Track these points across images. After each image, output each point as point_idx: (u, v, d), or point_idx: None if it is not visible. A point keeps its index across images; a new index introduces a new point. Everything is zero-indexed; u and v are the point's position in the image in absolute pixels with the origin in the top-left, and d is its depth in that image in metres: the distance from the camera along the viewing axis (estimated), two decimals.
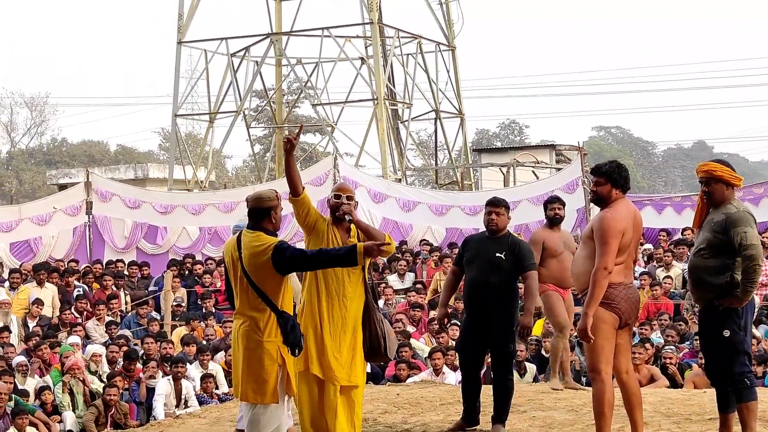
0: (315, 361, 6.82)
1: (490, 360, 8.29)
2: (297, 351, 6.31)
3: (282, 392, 6.35)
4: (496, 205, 8.11)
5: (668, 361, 11.99)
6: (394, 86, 28.94)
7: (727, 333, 6.74)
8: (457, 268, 8.31)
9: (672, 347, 12.35)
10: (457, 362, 11.85)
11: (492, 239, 8.07)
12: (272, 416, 6.36)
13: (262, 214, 6.49)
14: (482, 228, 8.42)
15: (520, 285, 8.33)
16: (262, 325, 6.32)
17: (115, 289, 17.44)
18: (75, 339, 14.62)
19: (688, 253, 12.39)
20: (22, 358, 13.51)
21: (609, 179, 6.87)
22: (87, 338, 15.38)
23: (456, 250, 11.31)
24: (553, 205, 10.00)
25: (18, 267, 18.25)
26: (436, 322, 9.26)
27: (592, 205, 19.12)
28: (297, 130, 7.07)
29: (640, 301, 7.10)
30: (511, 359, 8.17)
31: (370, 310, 7.05)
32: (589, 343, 6.66)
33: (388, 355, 7.01)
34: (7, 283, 17.14)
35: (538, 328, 14.28)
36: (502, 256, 7.92)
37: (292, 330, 6.27)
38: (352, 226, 7.10)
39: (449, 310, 8.82)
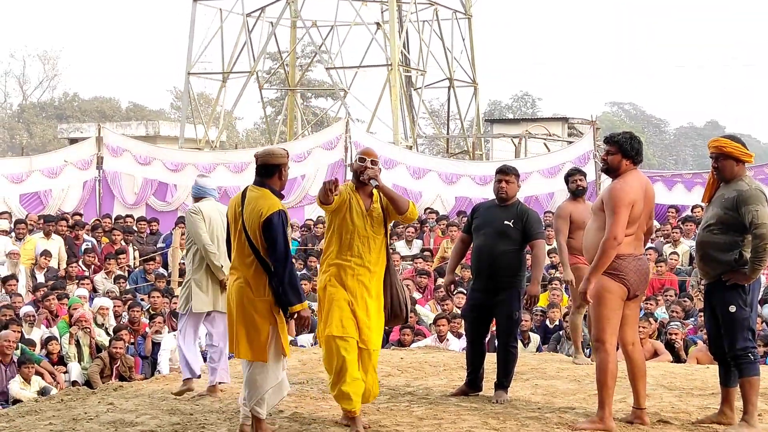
0: (352, 327, 6.77)
1: (495, 328, 8.32)
2: (289, 314, 6.37)
3: (276, 352, 6.39)
4: (506, 173, 8.11)
5: (674, 336, 12.03)
6: (408, 53, 28.87)
7: (732, 308, 6.78)
8: (466, 235, 8.32)
9: (678, 323, 12.39)
10: (461, 329, 11.92)
11: (501, 207, 8.09)
12: (269, 375, 6.40)
13: (270, 170, 6.50)
14: (490, 196, 8.44)
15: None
16: (254, 282, 6.38)
17: (123, 244, 17.51)
18: (83, 291, 14.71)
19: (696, 231, 12.42)
20: (29, 308, 13.61)
21: (620, 149, 6.93)
22: (94, 291, 15.47)
23: (465, 219, 11.32)
24: (574, 176, 9.97)
25: (23, 218, 18.32)
26: (442, 288, 9.27)
27: (603, 178, 19.15)
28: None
29: (649, 273, 7.14)
30: (516, 327, 8.20)
31: (391, 275, 7.06)
32: (587, 304, 6.76)
33: (408, 320, 7.06)
34: (13, 234, 17.23)
35: (543, 299, 14.35)
36: (510, 224, 7.94)
37: (284, 292, 6.30)
38: (375, 191, 6.99)
39: (456, 278, 8.84)
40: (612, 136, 7.04)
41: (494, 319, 8.16)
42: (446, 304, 13.65)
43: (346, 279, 6.81)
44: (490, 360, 8.32)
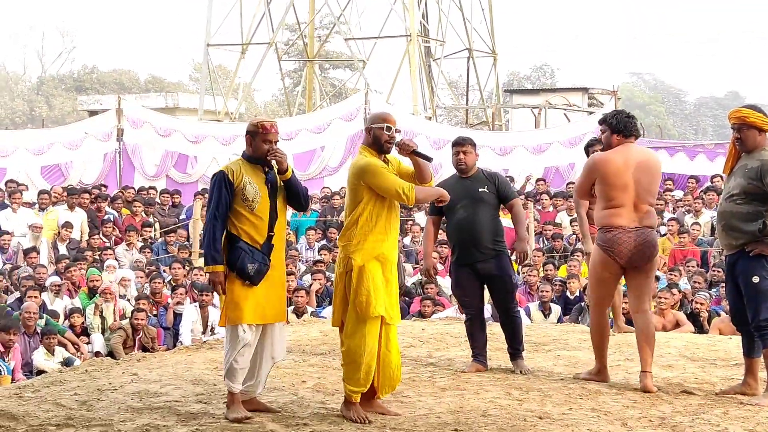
0: (381, 303, 6.35)
1: (491, 297, 8.27)
2: (246, 279, 6.25)
3: (234, 317, 6.25)
4: (461, 144, 8.07)
5: (700, 306, 11.99)
6: (427, 23, 28.75)
7: (756, 279, 6.74)
8: (436, 216, 8.29)
9: (705, 293, 12.35)
10: None
11: (467, 178, 8.05)
12: (231, 338, 6.31)
13: (245, 137, 6.54)
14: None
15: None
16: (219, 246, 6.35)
17: (145, 216, 17.57)
18: (112, 262, 14.82)
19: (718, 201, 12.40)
20: (55, 279, 13.70)
21: (609, 126, 7.23)
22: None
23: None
24: (595, 147, 9.88)
25: (48, 189, 18.41)
26: (424, 274, 9.13)
27: None
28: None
29: (653, 245, 7.20)
30: (513, 289, 8.16)
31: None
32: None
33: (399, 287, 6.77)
34: (36, 205, 17.32)
35: (563, 270, 14.35)
36: (486, 190, 7.96)
37: (240, 258, 6.23)
38: (391, 158, 6.63)
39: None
40: (602, 117, 7.43)
41: (489, 289, 8.15)
42: None
43: (389, 254, 6.47)
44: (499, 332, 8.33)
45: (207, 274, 6.43)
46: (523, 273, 13.85)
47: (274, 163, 6.43)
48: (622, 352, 8.76)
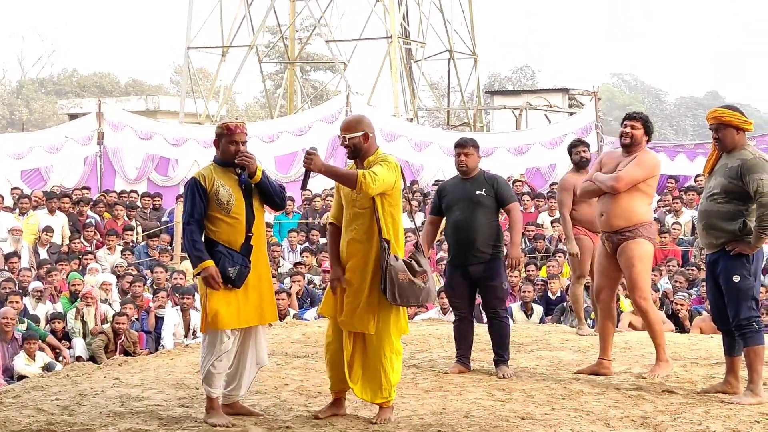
0: (326, 303, 6.48)
1: (481, 300, 8.27)
2: (227, 283, 6.20)
3: (216, 323, 6.17)
4: (464, 145, 8.09)
5: (679, 307, 12.04)
6: (408, 25, 28.77)
7: (737, 278, 6.77)
8: (435, 217, 8.33)
9: (684, 294, 12.40)
10: None
11: (467, 180, 8.07)
12: (210, 343, 6.24)
13: (214, 141, 6.54)
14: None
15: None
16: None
17: (126, 219, 17.51)
18: (95, 266, 14.76)
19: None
20: (37, 284, 13.63)
21: (644, 125, 7.66)
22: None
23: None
24: (578, 148, 9.94)
25: (28, 194, 18.31)
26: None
27: (605, 150, 19.18)
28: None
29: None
30: (505, 297, 8.19)
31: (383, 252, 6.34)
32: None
33: (389, 299, 6.50)
34: (17, 210, 17.23)
35: (543, 271, 14.37)
36: (483, 192, 7.95)
37: (219, 262, 6.19)
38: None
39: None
40: (637, 113, 7.77)
41: (480, 291, 8.15)
42: None
43: (344, 253, 6.45)
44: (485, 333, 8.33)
45: (196, 276, 6.33)
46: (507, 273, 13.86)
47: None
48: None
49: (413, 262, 6.39)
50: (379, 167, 6.21)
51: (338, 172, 6.37)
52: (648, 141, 7.75)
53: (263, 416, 6.44)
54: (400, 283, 6.23)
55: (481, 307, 8.54)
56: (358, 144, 6.36)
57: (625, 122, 7.73)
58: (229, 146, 6.41)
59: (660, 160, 7.89)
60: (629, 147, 7.67)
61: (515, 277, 13.72)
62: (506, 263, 8.10)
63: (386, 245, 6.28)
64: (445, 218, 8.27)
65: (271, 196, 6.47)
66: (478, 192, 7.95)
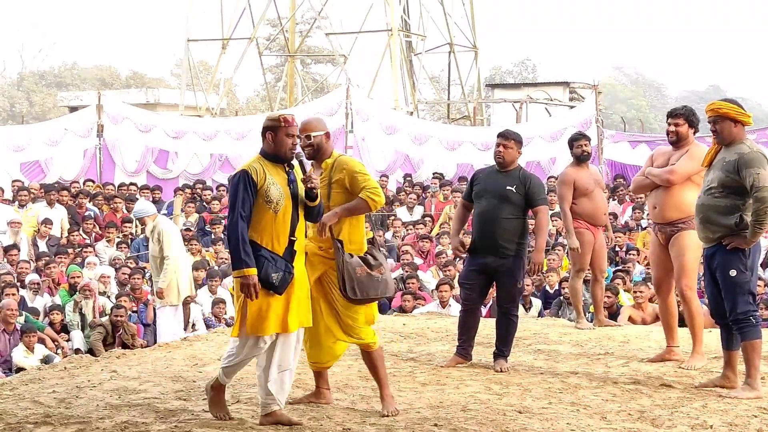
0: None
1: (495, 295, 8.25)
2: (270, 289, 5.87)
3: (245, 328, 5.90)
4: (506, 137, 7.98)
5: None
6: (408, 18, 28.74)
7: (733, 273, 6.77)
8: (467, 201, 8.23)
9: None
10: None
11: (502, 173, 7.95)
12: (246, 346, 5.97)
13: (263, 134, 6.07)
14: (491, 161, 8.37)
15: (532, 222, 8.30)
16: None
17: (125, 212, 17.51)
18: (94, 259, 14.76)
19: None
20: (34, 276, 13.63)
21: (687, 120, 7.80)
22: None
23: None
24: (579, 141, 9.87)
25: (26, 186, 18.30)
26: (453, 251, 9.06)
27: (605, 144, 19.19)
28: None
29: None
30: (519, 295, 8.14)
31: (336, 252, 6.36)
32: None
33: (350, 295, 6.25)
34: (16, 202, 17.23)
35: (544, 264, 14.35)
36: (513, 189, 7.83)
37: (263, 267, 5.83)
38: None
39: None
40: (679, 109, 7.91)
41: (495, 286, 8.12)
42: (448, 270, 13.65)
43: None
44: (488, 328, 8.32)
45: (235, 279, 5.96)
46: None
47: (302, 175, 6.08)
48: (602, 345, 8.78)
49: (368, 256, 6.42)
50: (364, 177, 6.35)
51: (349, 208, 6.35)
52: (695, 133, 7.90)
53: (301, 425, 6.05)
54: (358, 277, 6.27)
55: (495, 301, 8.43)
56: (320, 143, 6.39)
57: (668, 120, 7.90)
58: (286, 139, 5.97)
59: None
60: (676, 144, 7.85)
61: (531, 284, 13.38)
62: (527, 266, 8.04)
63: (339, 245, 6.29)
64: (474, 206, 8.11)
65: (312, 210, 6.14)
66: (508, 187, 7.84)
